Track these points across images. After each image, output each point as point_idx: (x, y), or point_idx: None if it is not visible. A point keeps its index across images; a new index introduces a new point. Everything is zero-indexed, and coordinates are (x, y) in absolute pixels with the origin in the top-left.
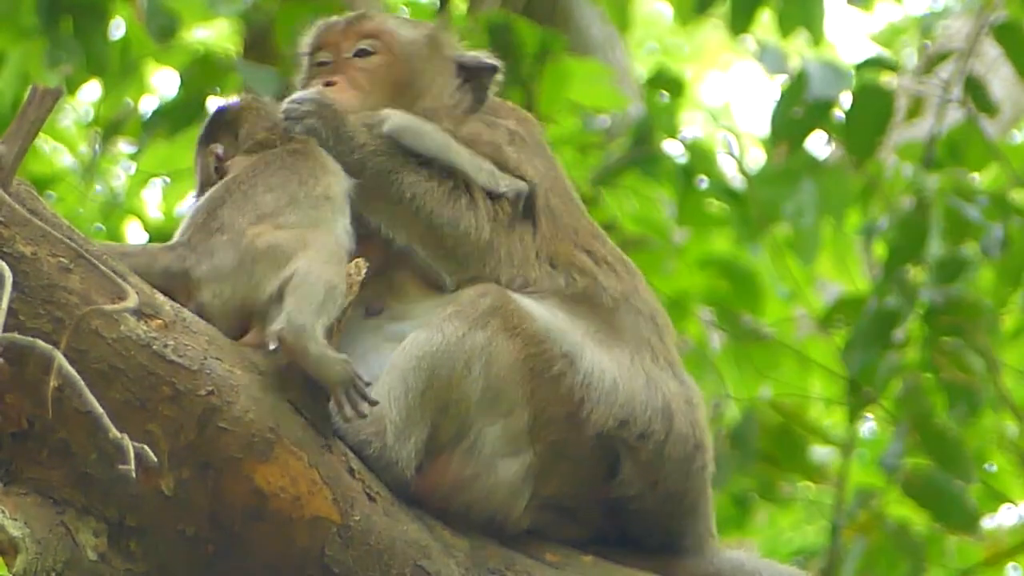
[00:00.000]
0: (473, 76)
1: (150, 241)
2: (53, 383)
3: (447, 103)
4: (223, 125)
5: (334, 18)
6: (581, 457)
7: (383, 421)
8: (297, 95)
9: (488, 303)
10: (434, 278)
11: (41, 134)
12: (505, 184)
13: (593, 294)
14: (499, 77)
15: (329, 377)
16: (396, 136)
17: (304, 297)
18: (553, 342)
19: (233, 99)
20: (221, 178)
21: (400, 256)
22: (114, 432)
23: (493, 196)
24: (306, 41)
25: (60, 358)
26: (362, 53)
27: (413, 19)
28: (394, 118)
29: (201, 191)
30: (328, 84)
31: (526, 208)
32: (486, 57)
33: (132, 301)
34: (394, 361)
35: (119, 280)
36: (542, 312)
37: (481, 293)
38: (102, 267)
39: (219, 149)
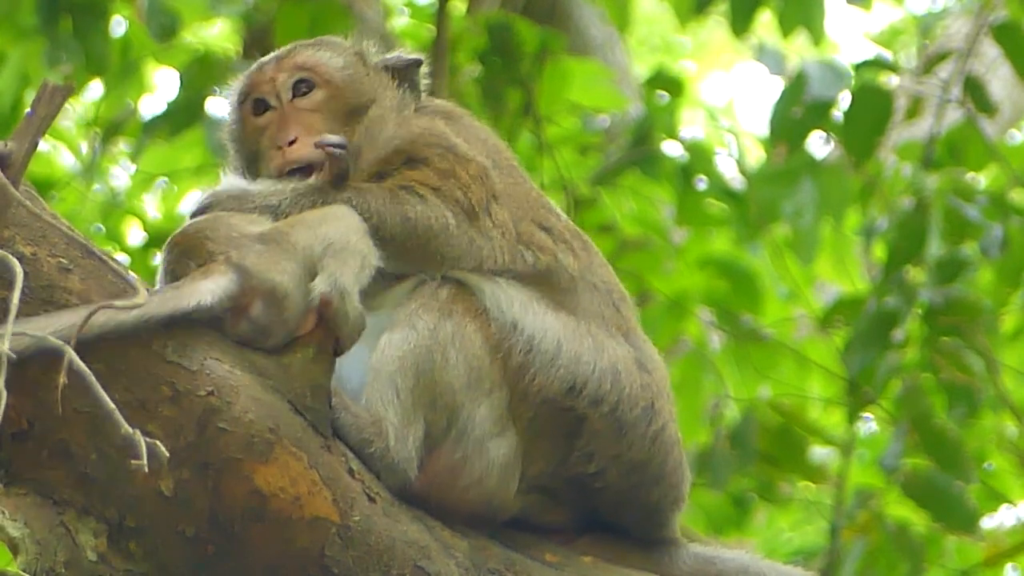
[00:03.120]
0: (403, 75)
1: (149, 241)
2: (62, 380)
3: (392, 106)
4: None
5: (261, 61)
6: (555, 434)
7: (383, 424)
8: (198, 201)
9: (447, 291)
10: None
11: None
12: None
13: (552, 273)
14: (424, 69)
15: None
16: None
17: (345, 262)
18: (505, 316)
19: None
20: None
21: None
22: (126, 428)
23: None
24: (236, 89)
25: (71, 353)
26: (300, 89)
27: (331, 40)
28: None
29: None
30: (291, 143)
31: (482, 187)
32: (407, 54)
33: (142, 298)
34: (377, 366)
35: (127, 278)
36: (494, 290)
37: (438, 284)
38: (111, 263)
39: None
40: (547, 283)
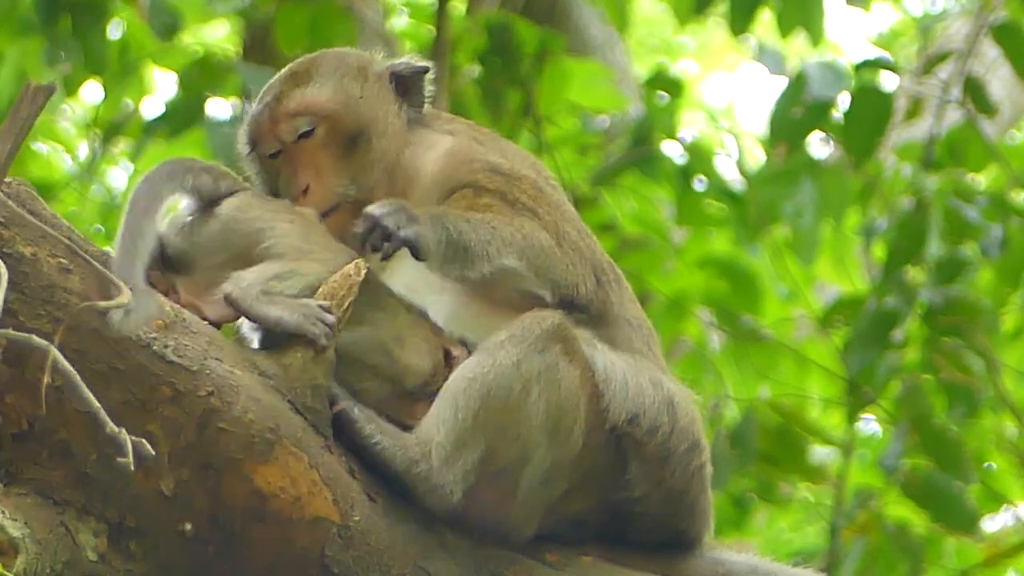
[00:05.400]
0: (408, 83)
1: None
2: (46, 379)
3: (397, 125)
4: None
5: (256, 108)
6: (603, 470)
7: (429, 443)
8: (380, 211)
9: (547, 326)
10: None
11: (40, 136)
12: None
13: (604, 306)
14: (431, 77)
15: (279, 322)
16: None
17: (259, 268)
18: (593, 361)
19: None
20: None
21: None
22: (111, 426)
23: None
24: (243, 138)
25: (55, 353)
26: (305, 135)
27: (321, 63)
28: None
29: None
30: (305, 191)
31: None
32: (416, 61)
33: (125, 297)
34: (447, 385)
35: (114, 279)
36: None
37: (540, 318)
38: (99, 266)
39: None
40: (597, 317)
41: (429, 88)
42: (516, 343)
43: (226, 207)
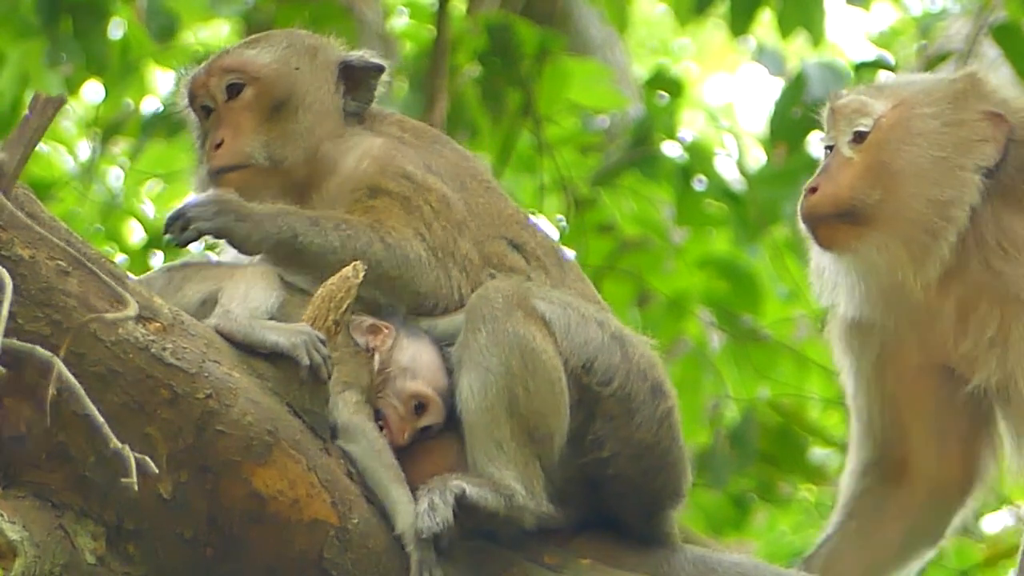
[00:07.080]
0: (359, 76)
1: (149, 241)
2: (51, 392)
3: (329, 109)
4: None
5: (197, 67)
6: (570, 431)
7: (503, 482)
8: (192, 201)
9: (502, 303)
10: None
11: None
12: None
13: None
14: (385, 77)
15: (275, 345)
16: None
17: (230, 294)
18: (541, 311)
19: None
20: None
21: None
22: (115, 442)
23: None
24: (183, 93)
25: (59, 364)
26: (232, 90)
27: (273, 36)
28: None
29: None
30: (218, 146)
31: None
32: (372, 56)
33: (132, 309)
34: (469, 421)
35: (116, 287)
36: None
37: (489, 299)
38: (99, 272)
39: None
40: None
41: (381, 88)
42: (492, 337)
43: None
